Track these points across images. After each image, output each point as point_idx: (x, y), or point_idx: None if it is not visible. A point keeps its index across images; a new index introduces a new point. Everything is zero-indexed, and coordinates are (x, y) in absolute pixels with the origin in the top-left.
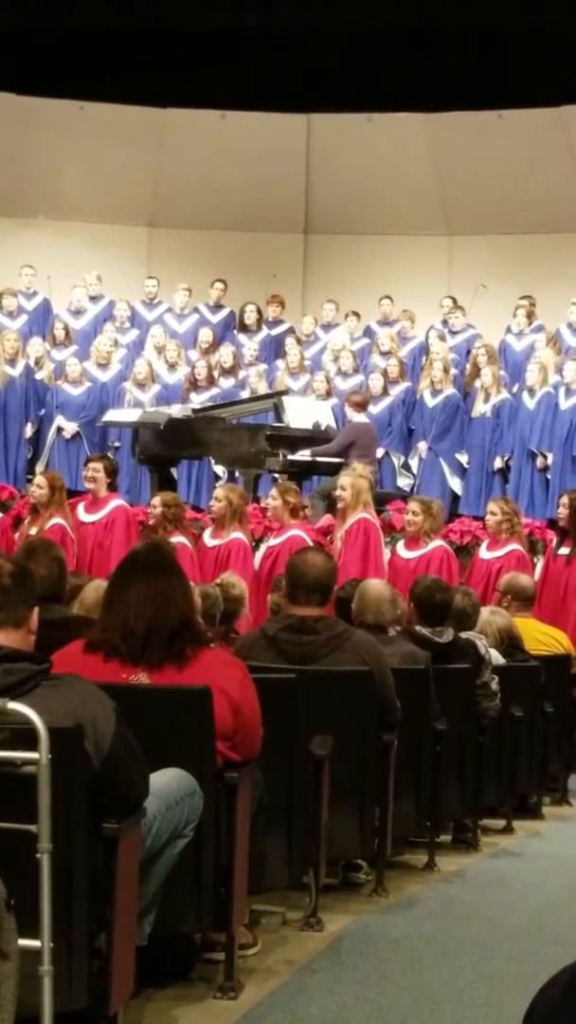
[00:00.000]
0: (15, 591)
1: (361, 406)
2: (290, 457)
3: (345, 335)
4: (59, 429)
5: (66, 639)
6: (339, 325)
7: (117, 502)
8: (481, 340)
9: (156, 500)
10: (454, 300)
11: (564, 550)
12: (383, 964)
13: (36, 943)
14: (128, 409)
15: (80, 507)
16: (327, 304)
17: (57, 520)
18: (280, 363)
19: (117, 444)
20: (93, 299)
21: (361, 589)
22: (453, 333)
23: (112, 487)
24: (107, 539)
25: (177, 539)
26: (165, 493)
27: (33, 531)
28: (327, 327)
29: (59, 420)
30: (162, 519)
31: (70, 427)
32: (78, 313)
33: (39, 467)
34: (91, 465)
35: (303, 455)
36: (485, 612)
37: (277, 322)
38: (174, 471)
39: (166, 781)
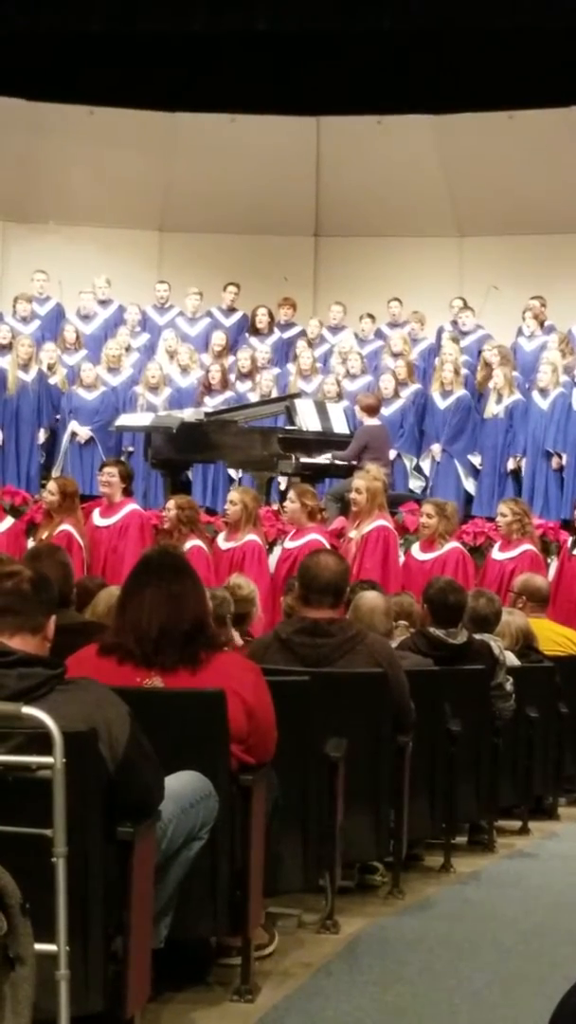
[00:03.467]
0: (34, 597)
1: (372, 410)
2: (305, 460)
3: (351, 337)
4: (73, 434)
5: (78, 644)
6: (347, 327)
7: (131, 507)
8: (492, 341)
9: (171, 503)
10: (464, 301)
11: None
12: (400, 966)
13: (52, 947)
14: (140, 413)
15: (95, 512)
16: (335, 306)
17: (65, 527)
18: (291, 366)
19: (131, 449)
20: (102, 303)
21: (355, 601)
22: (464, 334)
23: (127, 492)
24: (121, 544)
25: (193, 543)
26: (179, 496)
27: (44, 536)
28: (335, 329)
29: (73, 425)
30: (177, 522)
31: (83, 432)
32: (87, 318)
33: (54, 472)
34: (106, 470)
35: (324, 458)
36: (503, 612)
37: (289, 325)
38: (190, 474)
39: (181, 784)
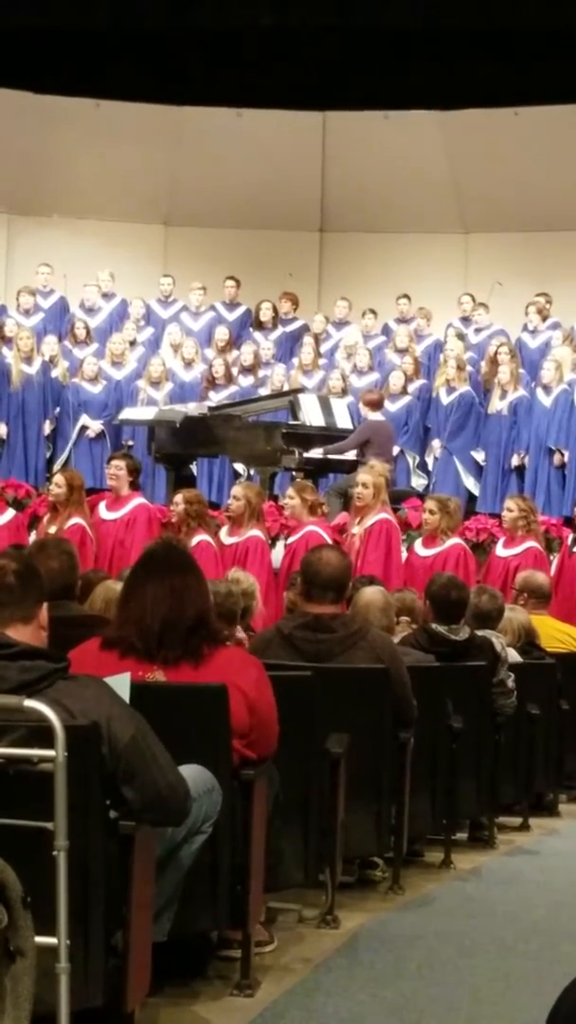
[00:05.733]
0: (20, 588)
1: (376, 405)
2: (306, 455)
3: (357, 333)
4: (83, 428)
5: (81, 637)
6: (351, 323)
7: (139, 500)
8: (503, 337)
9: (178, 497)
10: (473, 297)
11: None
12: (399, 962)
13: (52, 940)
14: (143, 407)
15: (102, 505)
16: (340, 301)
17: (76, 520)
18: (295, 361)
19: (131, 443)
20: (106, 296)
21: (354, 596)
22: (477, 331)
23: (134, 485)
24: (128, 537)
25: (200, 537)
26: (187, 490)
27: (52, 530)
28: (339, 324)
29: (84, 419)
30: (185, 516)
31: (95, 426)
32: (92, 311)
33: (57, 465)
34: (114, 463)
35: (315, 452)
36: (505, 609)
37: (290, 320)
38: (194, 468)
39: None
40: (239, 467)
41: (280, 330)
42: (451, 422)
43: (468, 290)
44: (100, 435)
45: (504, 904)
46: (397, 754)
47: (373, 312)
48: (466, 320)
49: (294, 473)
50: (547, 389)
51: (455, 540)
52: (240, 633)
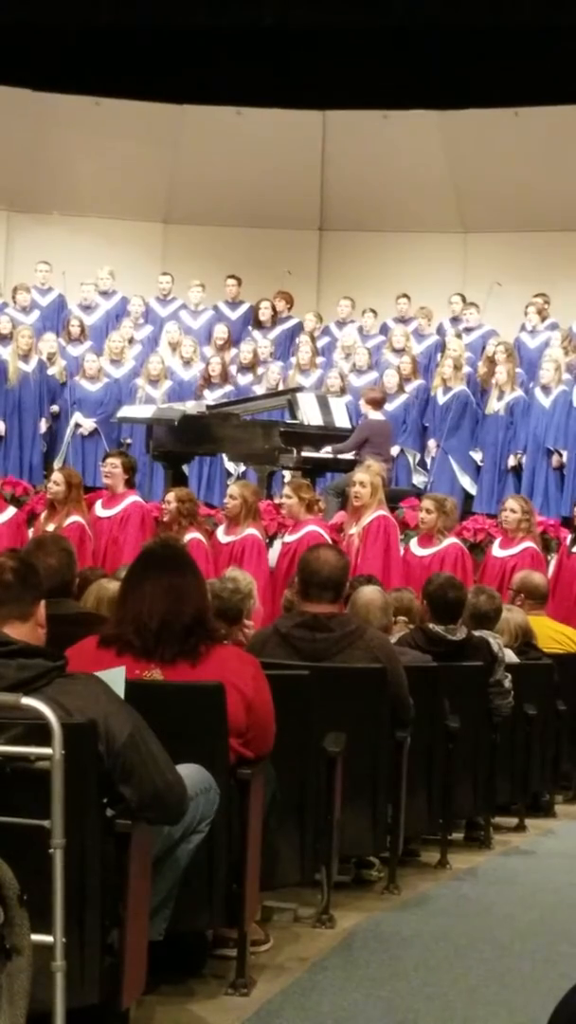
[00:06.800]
0: (18, 585)
1: (377, 403)
2: (303, 454)
3: (355, 332)
4: (77, 425)
5: (78, 635)
6: (354, 322)
7: (133, 498)
8: (498, 337)
9: (170, 496)
10: (463, 297)
11: None
12: (395, 961)
13: (48, 939)
14: (142, 405)
15: (97, 503)
16: (343, 301)
17: (75, 518)
18: (292, 360)
19: (129, 441)
20: (104, 294)
21: (353, 596)
22: (468, 331)
23: (130, 483)
24: (121, 535)
25: (192, 535)
26: (179, 489)
27: (50, 528)
28: (342, 324)
29: (77, 416)
30: (177, 515)
31: (88, 423)
32: (89, 309)
33: (56, 463)
34: (109, 461)
35: (325, 452)
36: (502, 609)
37: (285, 318)
38: (186, 467)
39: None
40: (231, 466)
41: (279, 328)
42: (446, 421)
43: (467, 290)
44: (94, 432)
45: (500, 904)
46: (394, 754)
47: (373, 311)
48: (456, 320)
49: (286, 472)
50: (546, 390)
51: (452, 540)
52: (248, 629)
